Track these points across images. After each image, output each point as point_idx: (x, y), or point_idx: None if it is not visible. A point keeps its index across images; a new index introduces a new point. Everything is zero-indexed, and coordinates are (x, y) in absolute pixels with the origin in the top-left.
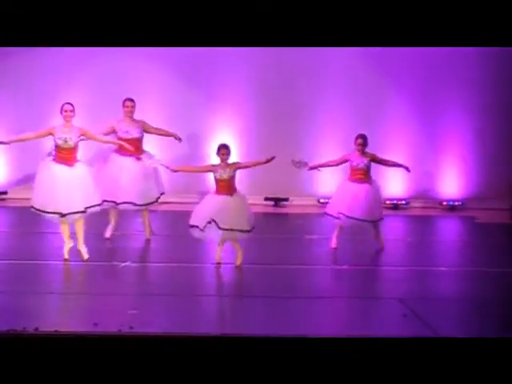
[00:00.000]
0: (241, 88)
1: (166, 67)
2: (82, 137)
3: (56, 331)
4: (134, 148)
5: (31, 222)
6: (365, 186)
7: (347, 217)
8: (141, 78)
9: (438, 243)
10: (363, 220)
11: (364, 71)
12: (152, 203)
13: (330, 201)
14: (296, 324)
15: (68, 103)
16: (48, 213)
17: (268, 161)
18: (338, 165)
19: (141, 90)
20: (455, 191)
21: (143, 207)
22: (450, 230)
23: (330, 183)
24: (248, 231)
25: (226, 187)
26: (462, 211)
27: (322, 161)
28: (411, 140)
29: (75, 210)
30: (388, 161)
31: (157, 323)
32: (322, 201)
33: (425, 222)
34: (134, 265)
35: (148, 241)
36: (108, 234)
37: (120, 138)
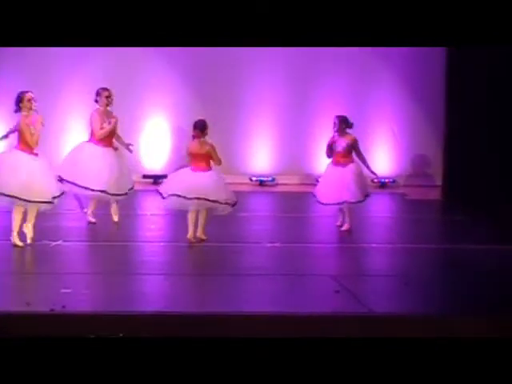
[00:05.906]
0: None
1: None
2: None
3: None
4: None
5: None
6: (346, 169)
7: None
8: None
9: (369, 220)
10: (343, 202)
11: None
12: (123, 195)
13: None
14: (228, 301)
15: (29, 91)
16: (11, 197)
17: None
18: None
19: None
20: (386, 169)
21: (115, 197)
22: (380, 207)
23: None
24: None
25: None
26: (392, 188)
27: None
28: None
29: (41, 200)
30: (360, 155)
31: (89, 302)
32: (254, 179)
33: None
34: (65, 243)
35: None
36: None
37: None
